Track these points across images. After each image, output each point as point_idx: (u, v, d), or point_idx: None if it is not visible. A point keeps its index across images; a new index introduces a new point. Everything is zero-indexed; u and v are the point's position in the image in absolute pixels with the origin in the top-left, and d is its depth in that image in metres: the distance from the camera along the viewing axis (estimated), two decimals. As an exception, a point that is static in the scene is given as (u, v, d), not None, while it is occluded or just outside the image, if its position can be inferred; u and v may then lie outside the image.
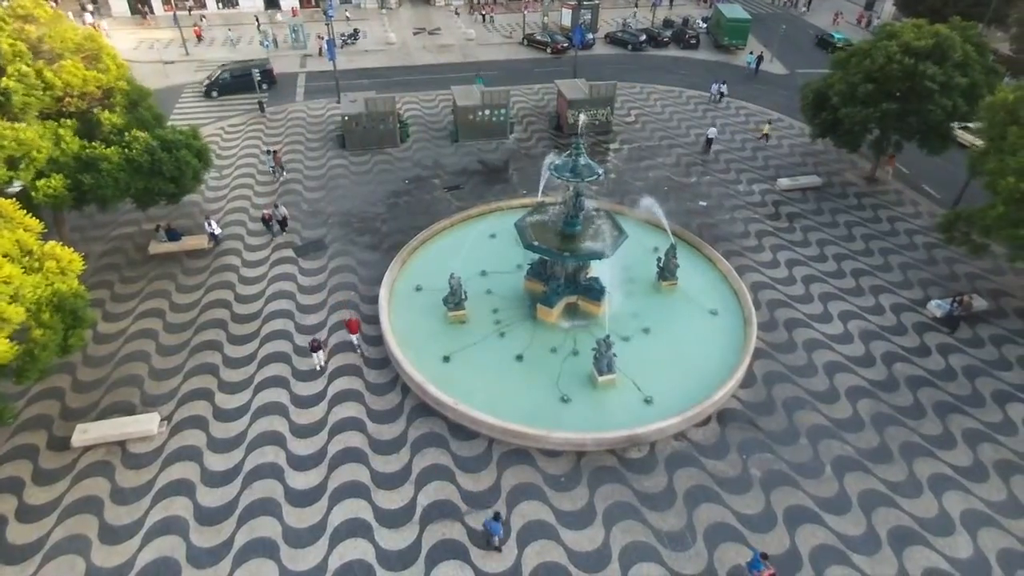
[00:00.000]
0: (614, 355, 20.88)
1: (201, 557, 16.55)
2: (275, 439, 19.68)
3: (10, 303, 15.54)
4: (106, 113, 23.86)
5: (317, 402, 20.95)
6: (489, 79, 44.19)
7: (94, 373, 21.94)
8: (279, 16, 59.47)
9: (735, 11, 54.43)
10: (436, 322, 23.54)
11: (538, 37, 54.40)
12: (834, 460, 19.42)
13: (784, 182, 34.12)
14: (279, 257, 27.80)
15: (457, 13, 62.23)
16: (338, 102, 41.23)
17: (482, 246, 26.62)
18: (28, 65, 22.37)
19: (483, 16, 61.26)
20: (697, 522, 17.55)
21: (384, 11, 62.94)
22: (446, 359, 22.10)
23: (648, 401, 20.77)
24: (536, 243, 22.53)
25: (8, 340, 15.66)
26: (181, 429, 19.97)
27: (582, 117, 25.55)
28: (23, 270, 16.48)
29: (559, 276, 23.69)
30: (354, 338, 22.61)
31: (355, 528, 17.25)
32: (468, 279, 23.61)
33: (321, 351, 21.96)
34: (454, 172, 34.79)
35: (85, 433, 19.38)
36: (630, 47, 54.63)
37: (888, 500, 18.33)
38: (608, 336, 20.68)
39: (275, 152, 33.94)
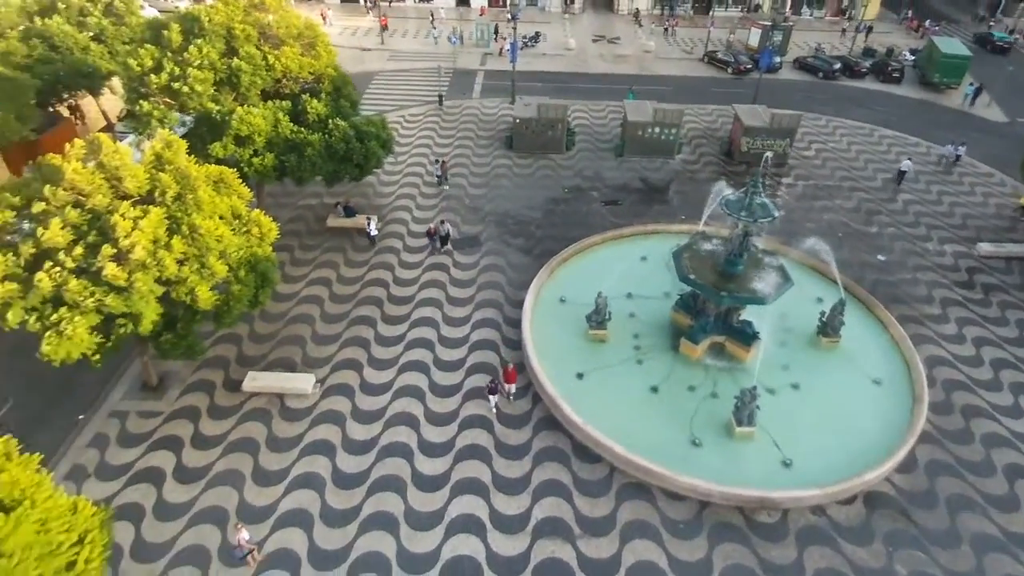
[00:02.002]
0: (757, 407, 19.74)
1: (332, 516, 18.01)
2: (410, 421, 20.86)
3: (218, 259, 17.86)
4: (313, 102, 26.24)
5: (453, 393, 21.89)
6: (663, 95, 43.19)
7: (267, 328, 24.55)
8: (471, 15, 62.39)
9: (953, 46, 48.71)
10: (575, 337, 23.60)
11: (720, 56, 52.33)
12: (1002, 579, 16.99)
13: (985, 247, 30.10)
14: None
15: (640, 24, 61.54)
16: (512, 103, 42.53)
17: (632, 268, 26.23)
18: (257, 48, 25.35)
19: (666, 29, 60.06)
20: (824, 608, 16.18)
21: (567, 16, 63.83)
22: (580, 376, 22.11)
23: (787, 464, 19.40)
24: (692, 277, 21.79)
25: (210, 290, 18.06)
26: (331, 394, 21.79)
27: (769, 155, 24.22)
28: (233, 231, 18.80)
29: (710, 313, 22.77)
30: (511, 387, 21.49)
31: (470, 524, 17.86)
32: (612, 299, 23.37)
33: (498, 394, 21.13)
34: (614, 187, 34.58)
35: (254, 380, 21.79)
36: (821, 75, 50.88)
37: (1066, 643, 15.72)
38: (755, 387, 19.54)
39: (443, 161, 34.37)
